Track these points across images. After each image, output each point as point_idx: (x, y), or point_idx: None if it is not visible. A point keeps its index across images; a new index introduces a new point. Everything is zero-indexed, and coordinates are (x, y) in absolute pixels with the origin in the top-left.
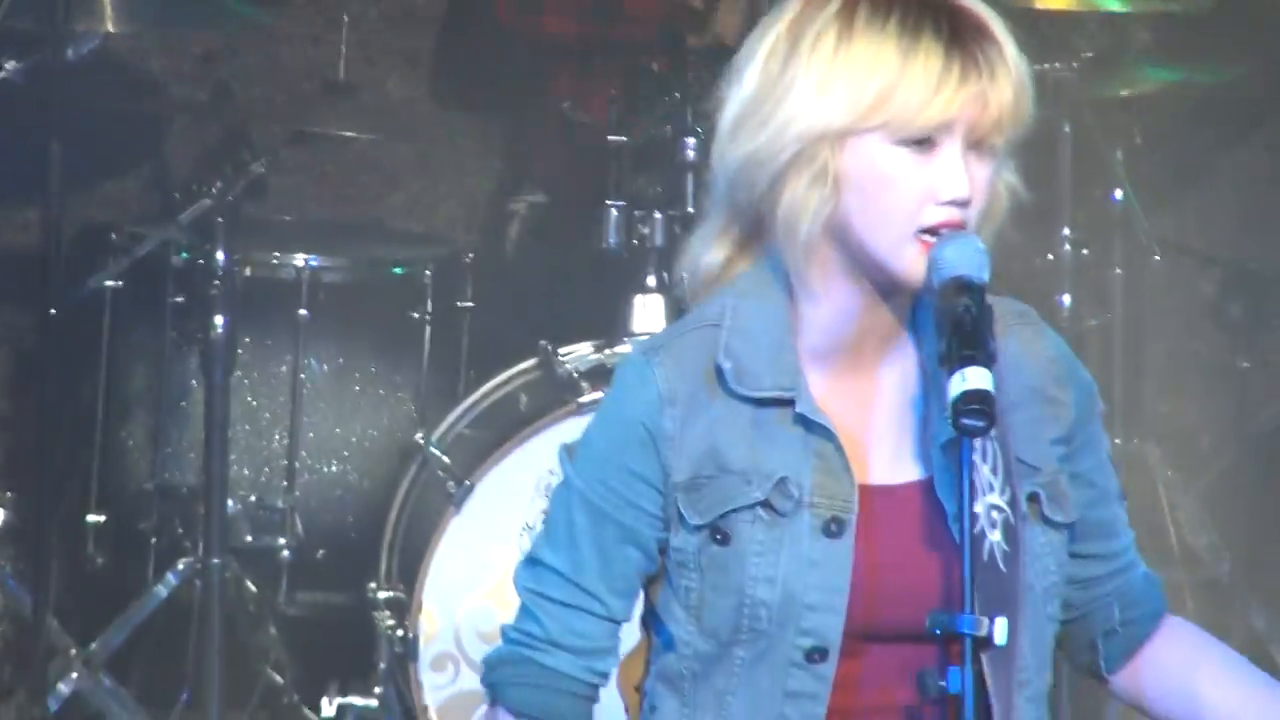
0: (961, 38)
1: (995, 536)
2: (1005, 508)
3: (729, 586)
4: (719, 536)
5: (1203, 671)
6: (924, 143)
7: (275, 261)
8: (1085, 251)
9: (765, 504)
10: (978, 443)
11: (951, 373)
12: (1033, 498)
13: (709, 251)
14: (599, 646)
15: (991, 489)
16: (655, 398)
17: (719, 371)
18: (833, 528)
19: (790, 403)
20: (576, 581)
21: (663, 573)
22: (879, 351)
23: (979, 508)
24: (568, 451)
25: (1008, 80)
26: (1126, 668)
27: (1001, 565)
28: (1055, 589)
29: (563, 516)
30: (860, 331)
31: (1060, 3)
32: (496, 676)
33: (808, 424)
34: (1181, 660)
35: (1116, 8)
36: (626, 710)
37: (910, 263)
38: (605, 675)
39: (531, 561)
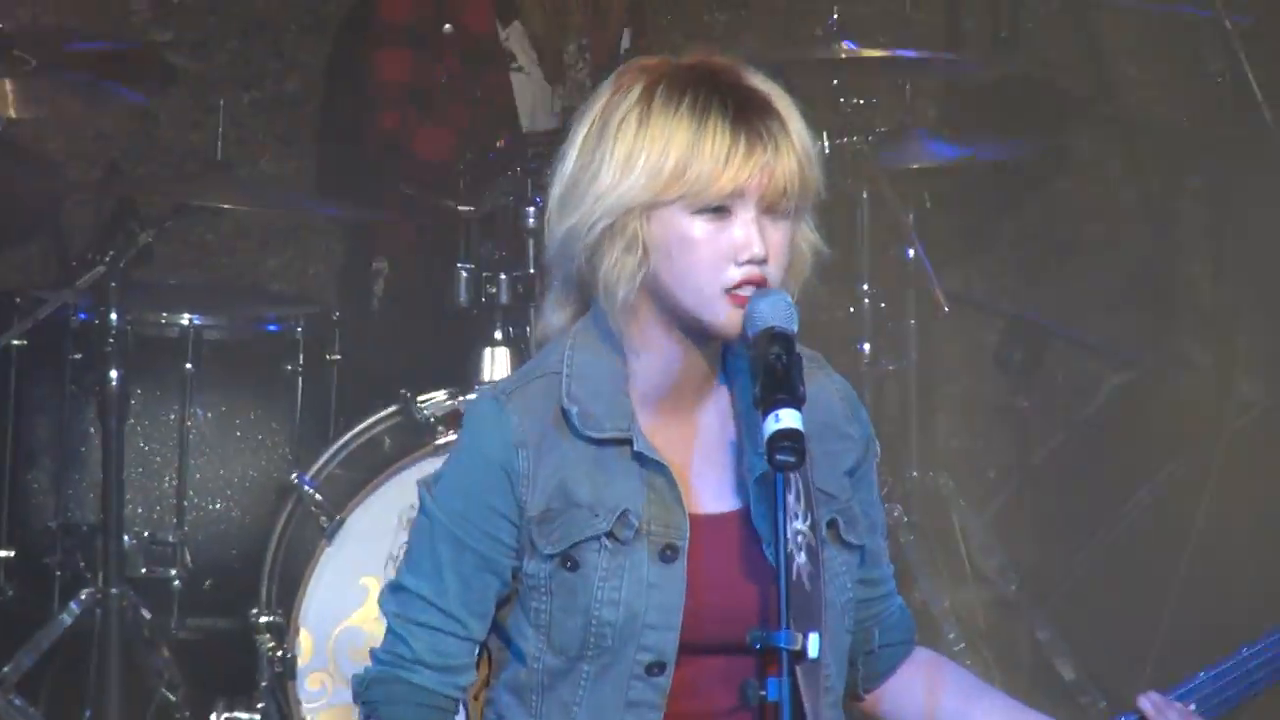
0: (747, 115)
1: (801, 558)
2: (808, 532)
3: (577, 608)
4: (569, 564)
5: (945, 692)
6: (720, 210)
7: (163, 321)
8: (883, 305)
9: (609, 534)
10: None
11: (766, 414)
12: (831, 523)
13: (555, 316)
14: (461, 664)
15: (797, 516)
16: (510, 440)
17: (565, 415)
18: (668, 553)
19: (628, 442)
20: (441, 606)
21: (513, 595)
22: (697, 395)
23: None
24: (427, 486)
25: (791, 152)
26: (879, 688)
27: (807, 584)
28: (850, 604)
29: (426, 547)
30: (679, 379)
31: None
32: (370, 695)
33: (643, 460)
34: (926, 682)
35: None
36: (467, 718)
37: (724, 316)
38: (466, 689)
39: (397, 589)
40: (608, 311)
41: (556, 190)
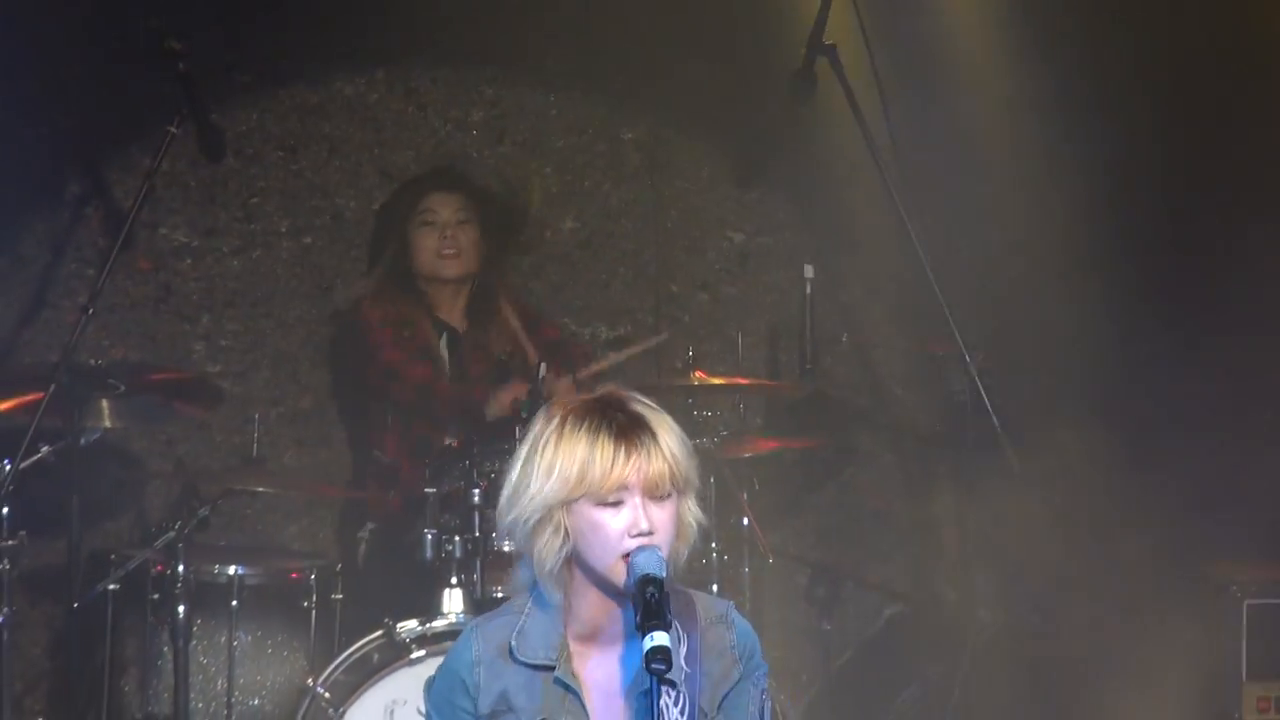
0: (627, 432)
1: None
2: None
3: None
4: None
5: None
6: (615, 503)
7: (215, 572)
8: (726, 558)
9: None
10: (676, 694)
11: (643, 636)
12: None
13: (524, 574)
14: None
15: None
16: (470, 659)
17: (510, 646)
18: None
19: (552, 668)
20: None
21: None
22: (619, 631)
23: None
24: (427, 687)
25: (660, 455)
26: None
27: None
28: None
29: None
30: (603, 621)
31: (711, 380)
32: None
33: (558, 682)
34: None
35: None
36: None
37: (622, 579)
38: None
39: None
40: (538, 577)
41: (505, 492)
